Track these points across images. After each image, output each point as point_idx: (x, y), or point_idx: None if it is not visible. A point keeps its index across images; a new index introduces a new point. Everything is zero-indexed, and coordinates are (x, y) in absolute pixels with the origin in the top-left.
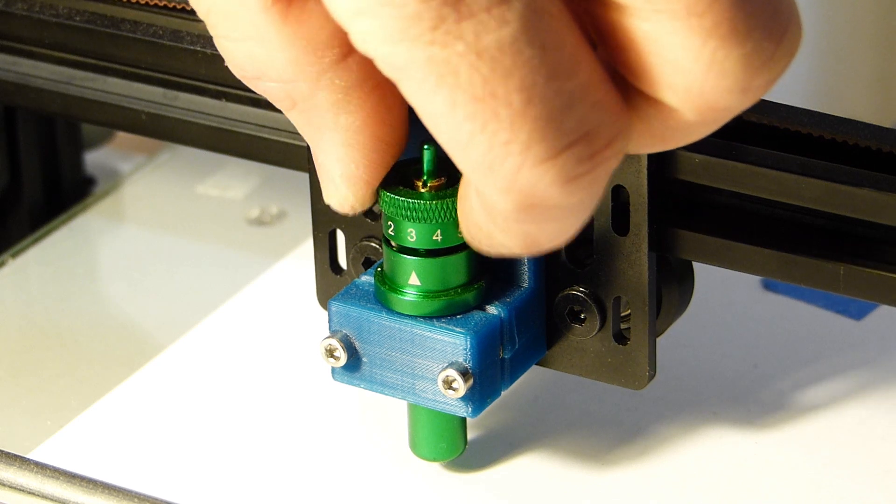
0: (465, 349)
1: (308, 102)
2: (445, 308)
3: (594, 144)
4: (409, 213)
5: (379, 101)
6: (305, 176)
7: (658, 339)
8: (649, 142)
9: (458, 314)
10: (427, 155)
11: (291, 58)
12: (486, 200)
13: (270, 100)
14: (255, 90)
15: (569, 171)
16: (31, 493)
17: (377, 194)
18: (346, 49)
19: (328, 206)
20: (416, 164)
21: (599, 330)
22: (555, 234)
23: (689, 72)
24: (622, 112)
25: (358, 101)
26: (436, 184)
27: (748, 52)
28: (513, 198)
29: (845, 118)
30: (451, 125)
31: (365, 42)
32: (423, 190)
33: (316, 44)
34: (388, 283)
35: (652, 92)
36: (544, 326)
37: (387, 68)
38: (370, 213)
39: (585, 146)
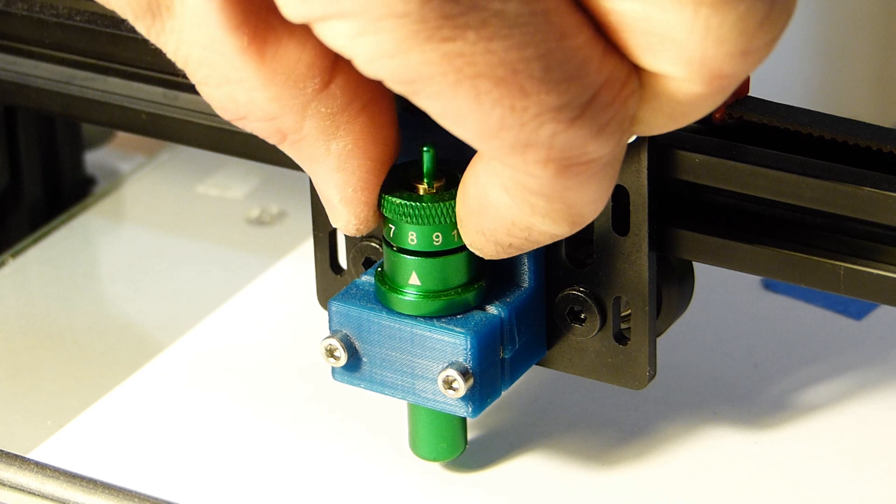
0: (466, 349)
1: (297, 134)
2: (445, 308)
3: (614, 87)
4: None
5: (367, 122)
6: (305, 176)
7: (658, 339)
8: (664, 121)
9: (459, 314)
10: (426, 157)
11: (273, 95)
12: (522, 185)
13: (261, 137)
14: (244, 129)
15: (598, 119)
16: (31, 493)
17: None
18: (327, 77)
19: None
20: (415, 167)
21: (599, 330)
22: (595, 196)
23: (687, 44)
24: (621, 55)
25: (346, 125)
26: (435, 186)
27: (742, 14)
28: (553, 166)
29: (845, 118)
30: (479, 117)
31: (373, 62)
32: (422, 192)
33: (296, 77)
34: (388, 283)
35: (656, 68)
36: (544, 326)
37: (400, 84)
38: None
39: (607, 91)
